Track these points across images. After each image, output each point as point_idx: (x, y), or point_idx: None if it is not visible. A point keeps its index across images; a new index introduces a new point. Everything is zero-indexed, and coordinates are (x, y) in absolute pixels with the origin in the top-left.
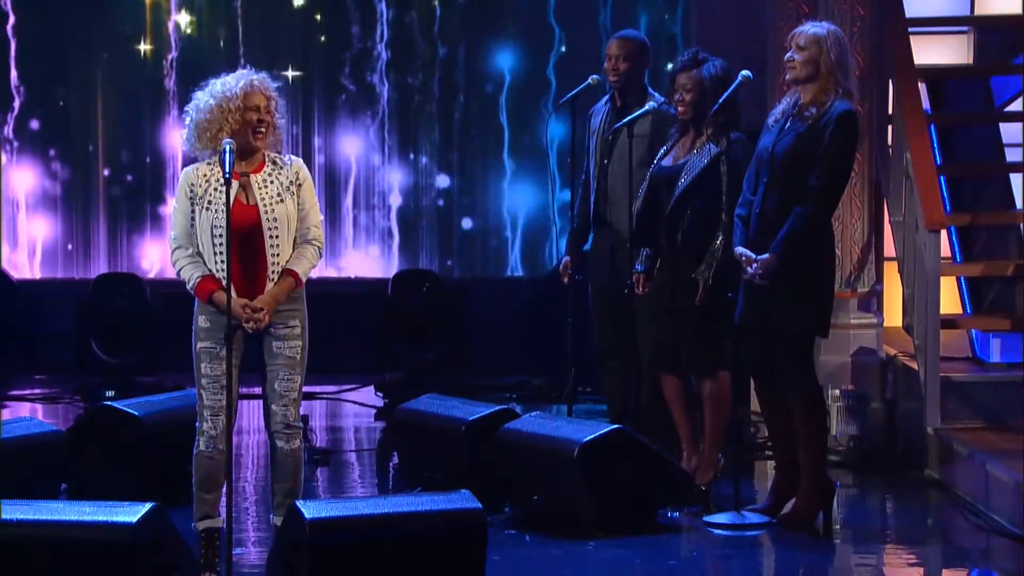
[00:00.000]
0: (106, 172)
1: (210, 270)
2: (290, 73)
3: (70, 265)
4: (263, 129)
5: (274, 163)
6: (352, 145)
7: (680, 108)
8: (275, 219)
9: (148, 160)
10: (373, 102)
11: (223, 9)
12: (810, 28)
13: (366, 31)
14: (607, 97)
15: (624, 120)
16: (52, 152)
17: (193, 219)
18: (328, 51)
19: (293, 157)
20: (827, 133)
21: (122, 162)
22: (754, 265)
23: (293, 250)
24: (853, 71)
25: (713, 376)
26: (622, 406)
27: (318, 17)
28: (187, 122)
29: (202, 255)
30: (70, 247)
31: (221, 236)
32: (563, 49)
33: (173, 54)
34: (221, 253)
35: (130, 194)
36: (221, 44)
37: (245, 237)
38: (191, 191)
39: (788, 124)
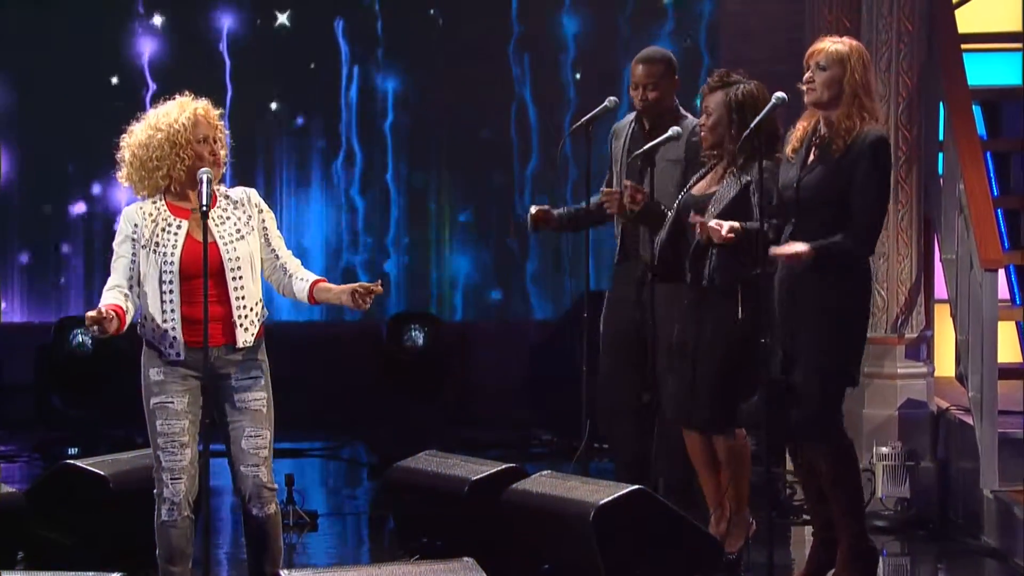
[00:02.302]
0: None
1: (150, 315)
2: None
3: (29, 308)
4: (216, 162)
5: (227, 197)
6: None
7: (703, 133)
8: (237, 257)
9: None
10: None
11: None
12: (831, 45)
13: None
14: (632, 117)
15: (644, 147)
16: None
17: (134, 263)
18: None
19: (246, 189)
20: (861, 164)
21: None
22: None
23: (259, 290)
24: (877, 91)
25: (728, 434)
26: (630, 461)
27: None
28: (124, 159)
29: (143, 302)
30: (30, 288)
31: (171, 282)
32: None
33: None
34: (171, 301)
35: (95, 232)
36: None
37: (201, 278)
38: (134, 232)
39: (812, 156)
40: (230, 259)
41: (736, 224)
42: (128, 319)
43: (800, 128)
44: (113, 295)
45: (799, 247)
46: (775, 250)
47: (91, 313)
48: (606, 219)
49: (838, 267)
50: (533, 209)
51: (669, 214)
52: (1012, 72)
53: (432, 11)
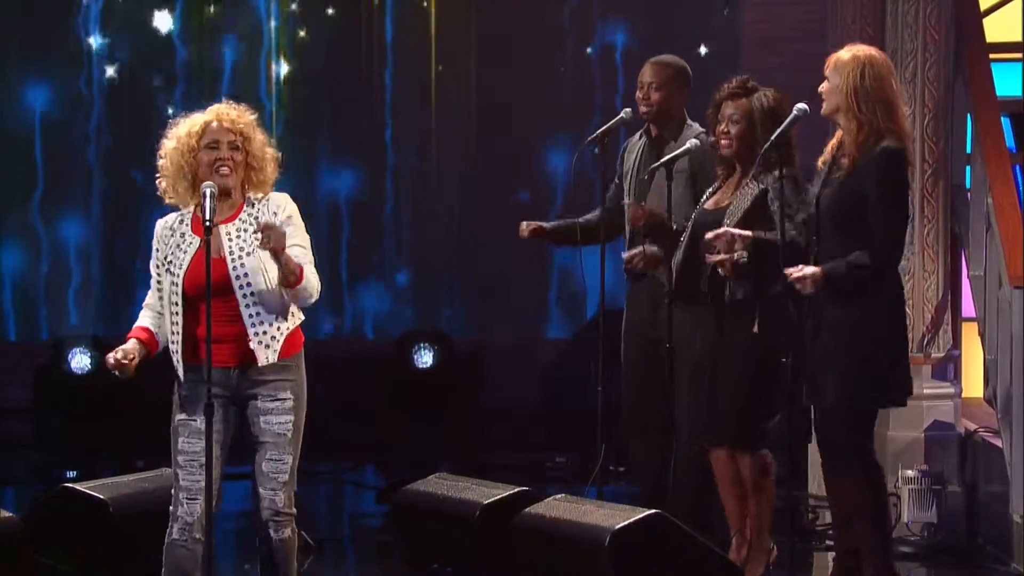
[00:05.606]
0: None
1: (161, 330)
2: None
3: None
4: (227, 167)
5: (252, 205)
6: None
7: (723, 141)
8: (245, 273)
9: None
10: None
11: None
12: (841, 53)
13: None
14: (641, 131)
15: (662, 161)
16: None
17: (160, 281)
18: None
19: (273, 195)
20: (870, 180)
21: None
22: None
23: (282, 301)
24: (898, 103)
25: (752, 453)
26: (655, 484)
27: None
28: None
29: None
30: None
31: (177, 303)
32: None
33: None
34: (176, 323)
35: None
36: None
37: (211, 295)
38: (156, 250)
39: (828, 170)
40: (238, 276)
41: (738, 255)
42: (161, 339)
43: (830, 143)
44: (144, 316)
45: (808, 269)
46: (788, 271)
47: (110, 357)
48: (611, 236)
49: (860, 285)
50: (523, 225)
51: (684, 233)
52: (1012, 83)
53: None
